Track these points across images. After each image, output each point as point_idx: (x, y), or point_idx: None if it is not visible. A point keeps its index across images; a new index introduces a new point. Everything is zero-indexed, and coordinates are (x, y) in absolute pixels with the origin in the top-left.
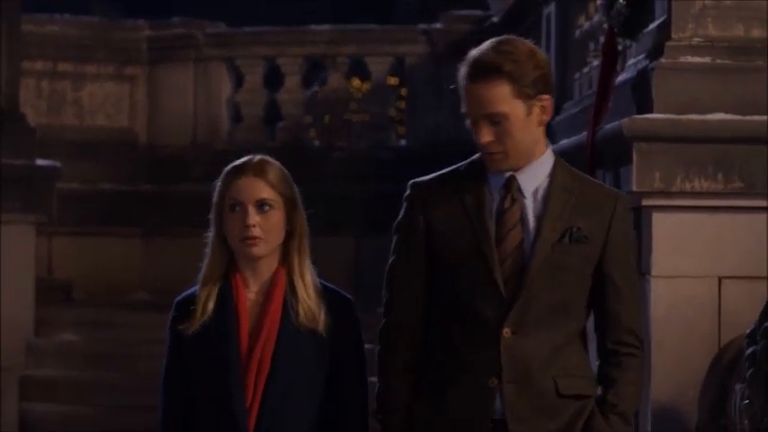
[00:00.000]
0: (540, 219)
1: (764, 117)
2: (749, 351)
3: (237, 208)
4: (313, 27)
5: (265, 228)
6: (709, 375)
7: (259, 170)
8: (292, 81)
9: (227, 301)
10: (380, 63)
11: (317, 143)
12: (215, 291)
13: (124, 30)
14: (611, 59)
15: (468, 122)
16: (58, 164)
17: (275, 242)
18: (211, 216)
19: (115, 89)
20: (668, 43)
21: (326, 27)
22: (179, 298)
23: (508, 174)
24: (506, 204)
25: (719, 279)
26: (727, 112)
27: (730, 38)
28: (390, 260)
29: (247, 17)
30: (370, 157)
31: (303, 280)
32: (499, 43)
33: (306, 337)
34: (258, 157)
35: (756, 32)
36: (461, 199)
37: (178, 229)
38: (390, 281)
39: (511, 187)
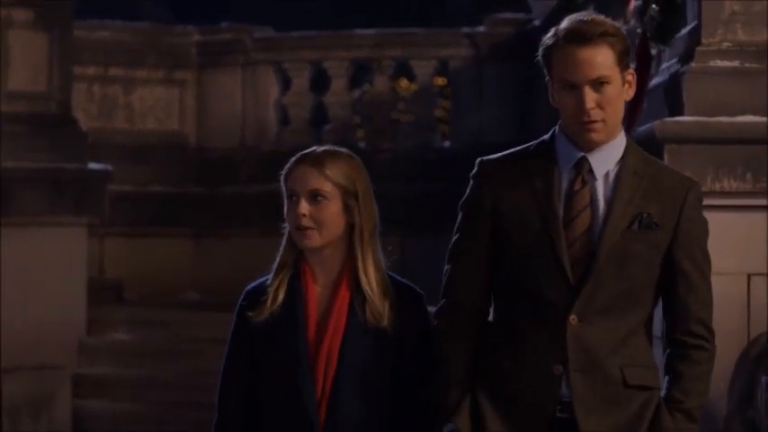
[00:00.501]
0: (609, 203)
1: None
2: None
3: (293, 198)
4: (358, 31)
5: (317, 218)
6: (738, 369)
7: (317, 161)
8: (338, 84)
9: (296, 292)
10: (425, 66)
11: (363, 144)
12: (285, 280)
13: (174, 35)
14: (645, 64)
15: (554, 96)
16: (109, 167)
17: (330, 234)
18: (285, 205)
19: (165, 93)
20: (698, 48)
21: (371, 31)
22: (249, 287)
23: (579, 154)
24: (576, 186)
25: (748, 276)
26: (755, 114)
27: (758, 42)
28: (454, 238)
29: (294, 21)
30: (415, 157)
31: (367, 276)
32: (591, 15)
33: (372, 334)
34: (325, 147)
35: None
36: (530, 179)
37: (227, 229)
38: (452, 259)
39: (582, 168)
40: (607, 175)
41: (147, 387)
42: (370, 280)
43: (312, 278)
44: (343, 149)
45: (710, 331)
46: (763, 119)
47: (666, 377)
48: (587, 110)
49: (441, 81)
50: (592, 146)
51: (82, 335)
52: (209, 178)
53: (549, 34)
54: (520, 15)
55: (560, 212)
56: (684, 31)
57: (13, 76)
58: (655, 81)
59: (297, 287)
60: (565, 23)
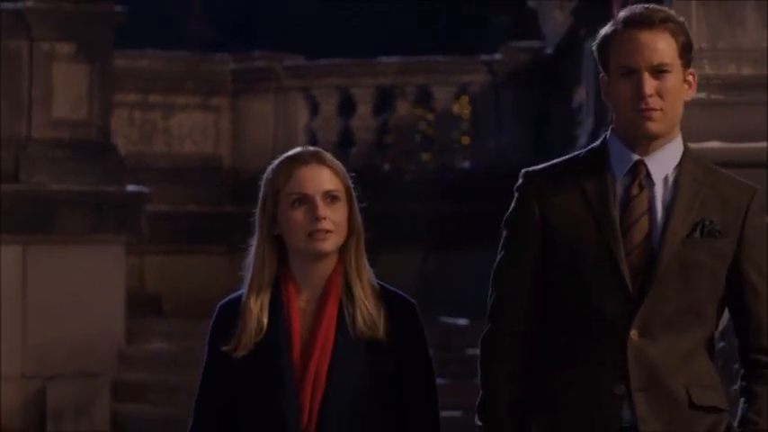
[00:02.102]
0: (669, 210)
1: (759, 143)
2: None
3: (302, 201)
4: (382, 59)
5: (335, 220)
6: None
7: (323, 159)
8: (364, 109)
9: (277, 313)
10: (445, 92)
11: (387, 166)
12: (266, 303)
13: (210, 63)
14: None
15: (608, 92)
16: (146, 189)
17: (342, 238)
18: (258, 215)
19: (202, 118)
20: None
21: (395, 59)
22: (224, 302)
23: (635, 158)
24: (633, 192)
25: None
26: (720, 140)
27: (723, 76)
28: (498, 258)
29: (323, 50)
30: (436, 178)
31: (361, 281)
32: (655, 6)
33: (365, 347)
34: (311, 147)
35: (747, 71)
36: (581, 186)
37: None
38: (498, 282)
39: (638, 173)
40: (665, 179)
41: (181, 392)
42: (365, 287)
43: (295, 291)
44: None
45: None
46: (727, 144)
47: (741, 399)
48: (645, 96)
49: (462, 106)
50: (647, 142)
51: (121, 344)
52: (242, 198)
53: (607, 26)
54: (534, 43)
55: (617, 219)
56: None
57: (56, 105)
58: None
59: (278, 306)
60: (624, 12)
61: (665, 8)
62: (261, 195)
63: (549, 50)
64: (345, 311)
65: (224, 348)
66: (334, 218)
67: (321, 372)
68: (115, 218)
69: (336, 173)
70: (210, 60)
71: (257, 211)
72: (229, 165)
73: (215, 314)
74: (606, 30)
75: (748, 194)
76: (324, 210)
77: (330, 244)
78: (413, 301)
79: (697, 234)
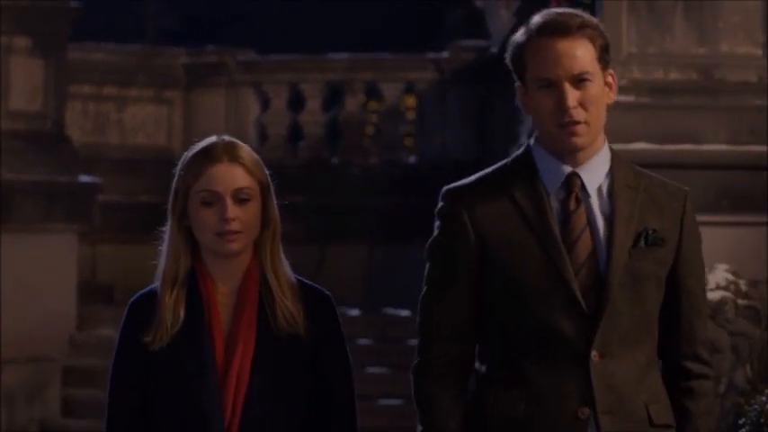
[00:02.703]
0: (610, 222)
1: (684, 146)
2: None
3: (212, 200)
4: (332, 55)
5: (244, 220)
6: None
7: (233, 155)
8: (313, 104)
9: (195, 307)
10: (393, 88)
11: (335, 160)
12: (183, 295)
13: (163, 57)
14: None
15: (527, 103)
16: (98, 179)
17: (253, 235)
18: (169, 206)
19: (155, 111)
20: None
21: (344, 55)
22: (135, 299)
23: (567, 170)
24: (571, 206)
25: None
26: (647, 142)
27: (651, 80)
28: (425, 291)
29: (275, 44)
30: (382, 173)
31: (277, 276)
32: (569, 10)
33: (286, 342)
34: (224, 138)
35: (674, 75)
36: (515, 203)
37: None
38: (427, 317)
39: (573, 185)
40: (599, 189)
41: None
42: (282, 282)
43: (212, 287)
44: (236, 139)
45: (710, 354)
46: (654, 146)
47: (674, 413)
48: (568, 109)
49: (410, 101)
50: (574, 154)
51: (72, 330)
52: None
53: (520, 32)
54: (480, 42)
55: (559, 237)
56: None
57: (12, 98)
58: None
59: (195, 300)
60: (537, 18)
61: (579, 12)
62: (173, 186)
63: (494, 49)
64: (266, 306)
65: (142, 341)
66: (244, 218)
67: (244, 368)
68: (67, 207)
69: (249, 170)
70: (163, 54)
71: (169, 202)
72: (180, 156)
73: (126, 312)
74: (519, 38)
75: (681, 198)
76: (233, 210)
77: (238, 245)
78: (328, 293)
79: (642, 244)
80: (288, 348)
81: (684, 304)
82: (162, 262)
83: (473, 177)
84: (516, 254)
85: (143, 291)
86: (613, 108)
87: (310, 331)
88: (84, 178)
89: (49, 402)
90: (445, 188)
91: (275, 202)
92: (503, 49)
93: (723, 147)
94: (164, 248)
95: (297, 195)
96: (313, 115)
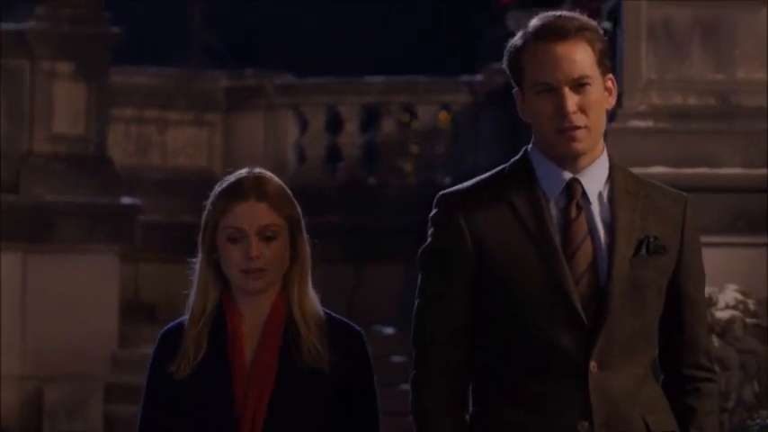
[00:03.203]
0: (611, 230)
1: (701, 169)
2: None
3: (238, 237)
4: (368, 78)
5: (270, 258)
6: None
7: (261, 192)
8: (351, 126)
9: (221, 340)
10: (428, 110)
11: (372, 181)
12: (207, 326)
13: (203, 80)
14: None
15: (525, 109)
16: (139, 201)
17: (279, 272)
18: (199, 239)
19: (195, 133)
20: (619, 110)
21: (380, 78)
22: (166, 330)
23: (568, 176)
24: (572, 214)
25: None
26: (665, 165)
27: (670, 105)
28: (417, 303)
29: (312, 68)
30: (418, 193)
31: (303, 312)
32: (567, 13)
33: (309, 379)
34: (255, 172)
35: (692, 101)
36: (514, 210)
37: None
38: (421, 326)
39: (574, 192)
40: (600, 196)
41: None
42: (308, 317)
43: (239, 319)
44: (267, 172)
45: (713, 361)
46: (672, 169)
47: (677, 416)
48: (569, 114)
49: (443, 119)
50: (574, 160)
51: (114, 348)
52: None
53: (517, 36)
54: None
55: (559, 246)
56: None
57: (56, 121)
58: None
59: (222, 333)
60: (534, 21)
61: (577, 15)
62: (203, 219)
63: None
64: (290, 341)
65: (168, 370)
66: (269, 255)
67: (262, 403)
68: (109, 228)
69: (276, 206)
70: (203, 78)
71: (200, 234)
72: (221, 178)
73: (157, 342)
74: (516, 42)
75: (682, 204)
76: (258, 248)
77: (263, 283)
78: (359, 329)
79: (643, 252)
80: (311, 384)
81: (686, 312)
82: (192, 294)
83: (469, 183)
84: (515, 262)
85: (174, 322)
86: (633, 133)
87: (337, 367)
88: (125, 200)
89: (91, 419)
90: (440, 193)
91: (306, 237)
92: None
93: (738, 170)
94: (194, 280)
95: (334, 215)
96: (350, 137)
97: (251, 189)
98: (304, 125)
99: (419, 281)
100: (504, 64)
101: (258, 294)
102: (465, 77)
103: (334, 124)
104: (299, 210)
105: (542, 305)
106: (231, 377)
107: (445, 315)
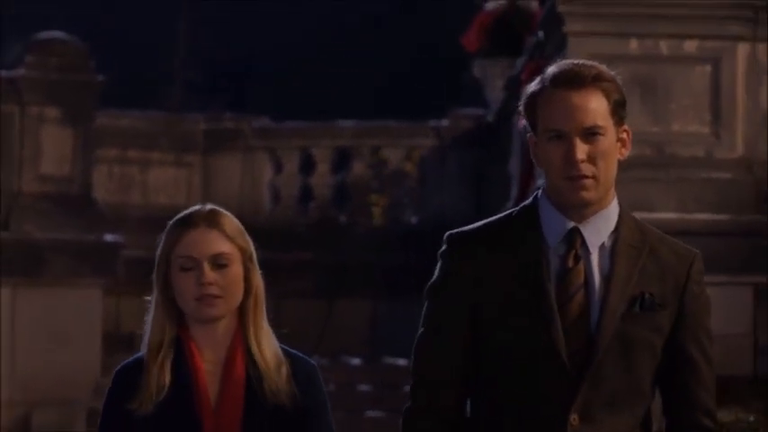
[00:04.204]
0: (606, 281)
1: (638, 213)
2: None
3: (190, 265)
4: (340, 122)
5: (223, 285)
6: None
7: (212, 221)
8: (323, 167)
9: (182, 376)
10: (397, 153)
11: (343, 219)
12: (168, 362)
13: (184, 123)
14: (531, 165)
15: (538, 154)
16: (121, 238)
17: (235, 302)
18: (154, 276)
19: (175, 173)
20: None
21: (351, 123)
22: (120, 367)
23: (570, 225)
24: (569, 263)
25: None
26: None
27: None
28: (421, 332)
29: (288, 111)
30: (386, 232)
31: (260, 348)
32: (585, 62)
33: (273, 415)
34: (208, 206)
35: (633, 151)
36: (514, 254)
37: None
38: (422, 357)
39: (574, 242)
40: (602, 247)
41: None
42: (264, 352)
43: (198, 354)
44: (221, 208)
45: (716, 421)
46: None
47: None
48: (577, 162)
49: (410, 167)
50: (581, 209)
51: (98, 376)
52: None
53: (534, 82)
54: (479, 111)
55: (553, 294)
56: None
57: (43, 163)
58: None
59: (182, 369)
60: (553, 68)
61: (596, 64)
62: (156, 256)
63: (489, 117)
64: (253, 379)
65: (126, 407)
66: (222, 283)
67: None
68: (94, 263)
69: (228, 235)
70: (184, 120)
71: (154, 272)
72: None
73: (112, 380)
74: (533, 88)
75: (687, 261)
76: (210, 275)
77: (218, 310)
78: (313, 363)
79: (636, 308)
80: (275, 421)
81: (684, 372)
82: (147, 331)
83: (478, 224)
84: (507, 307)
85: (129, 359)
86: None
87: (297, 401)
88: (108, 237)
89: None
90: (449, 233)
91: (258, 270)
92: (497, 117)
93: (673, 215)
94: (149, 318)
95: (306, 252)
96: (323, 178)
97: (201, 219)
98: (279, 166)
99: (423, 311)
100: (521, 108)
101: (214, 323)
102: (432, 122)
103: (308, 166)
104: (250, 243)
105: (530, 352)
106: (198, 415)
107: (444, 354)
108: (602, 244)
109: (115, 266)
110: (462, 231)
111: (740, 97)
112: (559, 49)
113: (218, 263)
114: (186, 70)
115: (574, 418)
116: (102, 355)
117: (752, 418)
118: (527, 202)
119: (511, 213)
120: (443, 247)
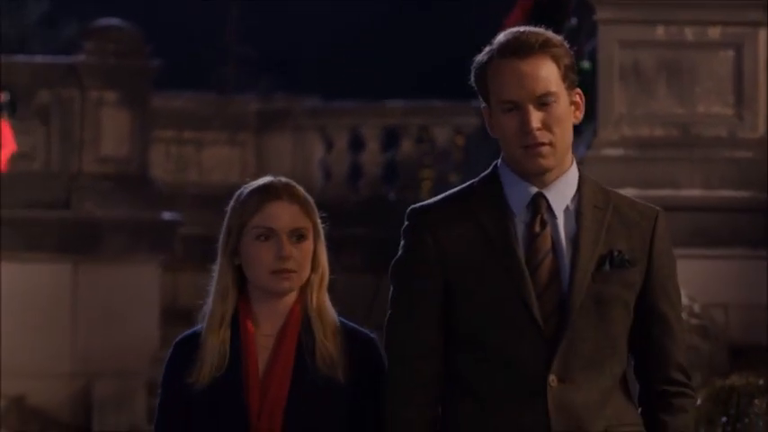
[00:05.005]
0: (574, 243)
1: (664, 191)
2: None
3: (268, 236)
4: (388, 102)
5: (299, 259)
6: None
7: (292, 194)
8: (372, 145)
9: (236, 348)
10: (443, 132)
11: (392, 196)
12: (227, 336)
13: (236, 104)
14: None
15: (492, 125)
16: (178, 216)
17: (305, 276)
18: (220, 244)
19: (229, 152)
20: (594, 140)
21: (399, 102)
22: (180, 338)
23: (533, 191)
24: (536, 229)
25: None
26: (634, 188)
27: (639, 136)
28: (389, 313)
29: (338, 91)
30: None
31: (321, 318)
32: (531, 28)
33: (323, 385)
34: (282, 179)
35: (658, 132)
36: (479, 224)
37: None
38: (392, 338)
39: (539, 207)
40: (566, 210)
41: None
42: (325, 324)
43: (254, 326)
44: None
45: (689, 376)
46: (640, 191)
47: (650, 429)
48: (532, 130)
49: (459, 141)
50: (541, 175)
51: (156, 348)
52: None
53: (483, 52)
54: None
55: (523, 260)
56: (590, 128)
57: (103, 144)
58: None
59: (237, 338)
60: (500, 37)
61: (543, 30)
62: (225, 223)
63: None
64: (305, 348)
65: (185, 381)
66: (299, 257)
67: (278, 411)
68: (151, 240)
69: (306, 210)
70: (236, 101)
71: (221, 239)
72: None
73: (171, 351)
74: (481, 58)
75: (651, 218)
76: (289, 248)
77: (291, 283)
78: (372, 335)
79: (606, 267)
80: (325, 393)
81: (656, 327)
82: (209, 301)
83: (439, 197)
84: (478, 277)
85: (187, 332)
86: (606, 159)
87: (351, 375)
88: (166, 215)
89: (136, 411)
90: (411, 207)
91: (325, 247)
92: None
93: (697, 192)
94: (212, 287)
95: (357, 228)
96: (372, 156)
97: (283, 190)
98: (329, 145)
99: (390, 291)
100: (471, 80)
101: (281, 298)
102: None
103: (357, 144)
104: (319, 219)
105: (504, 319)
106: (244, 387)
107: (415, 327)
108: (567, 207)
109: (172, 243)
110: (424, 205)
111: (762, 80)
112: (591, 36)
113: (297, 236)
114: (238, 51)
115: (552, 379)
116: (159, 328)
117: (761, 382)
118: (486, 172)
119: (471, 184)
120: (405, 223)
